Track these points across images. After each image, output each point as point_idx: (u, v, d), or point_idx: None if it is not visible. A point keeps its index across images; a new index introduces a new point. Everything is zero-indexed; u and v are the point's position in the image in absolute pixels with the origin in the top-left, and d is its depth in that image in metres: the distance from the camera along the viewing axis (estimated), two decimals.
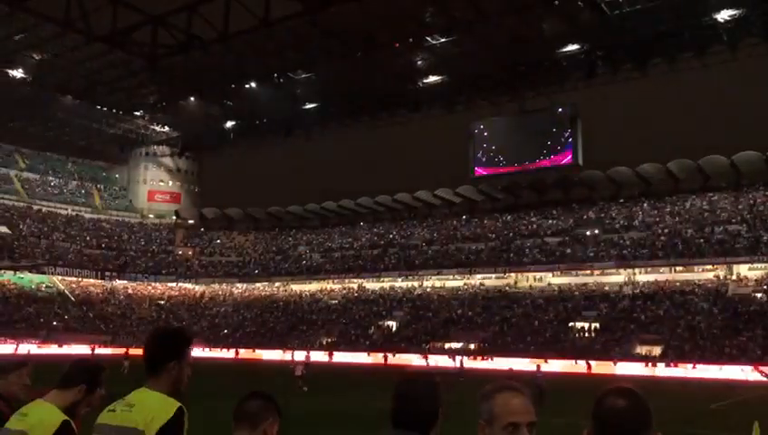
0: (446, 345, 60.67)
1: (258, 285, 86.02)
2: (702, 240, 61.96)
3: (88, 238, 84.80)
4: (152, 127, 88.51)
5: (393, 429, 2.44)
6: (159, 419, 2.71)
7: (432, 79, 65.90)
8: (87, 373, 3.30)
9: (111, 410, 2.89)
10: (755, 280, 57.76)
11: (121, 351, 45.01)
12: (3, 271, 71.43)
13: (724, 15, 52.80)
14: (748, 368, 45.53)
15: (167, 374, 2.88)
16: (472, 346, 59.47)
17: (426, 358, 55.61)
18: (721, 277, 59.83)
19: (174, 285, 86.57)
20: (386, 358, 56.53)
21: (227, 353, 64.04)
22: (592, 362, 49.93)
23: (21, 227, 79.70)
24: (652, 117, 59.65)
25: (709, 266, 60.84)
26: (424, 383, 2.48)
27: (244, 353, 64.57)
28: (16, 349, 53.06)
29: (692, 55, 56.94)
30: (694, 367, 47.81)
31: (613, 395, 1.94)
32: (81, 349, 58.25)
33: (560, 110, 73.12)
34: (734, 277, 59.46)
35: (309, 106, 74.36)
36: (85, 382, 3.26)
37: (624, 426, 1.87)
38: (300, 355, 44.64)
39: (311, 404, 22.16)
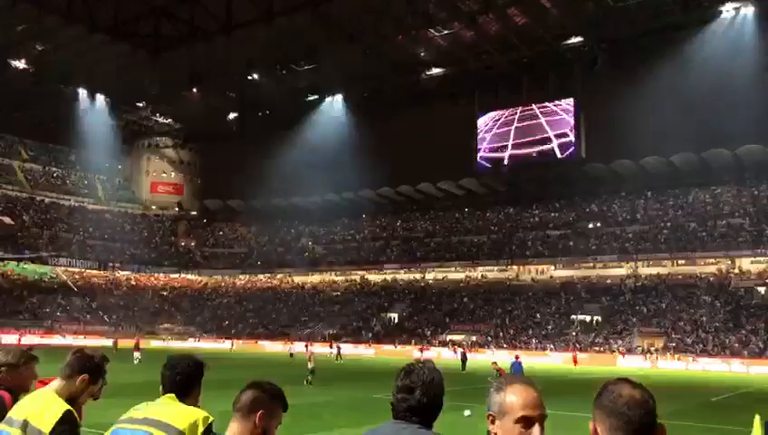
0: (448, 337, 60.79)
1: (261, 276, 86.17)
2: (705, 233, 61.90)
3: (91, 229, 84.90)
4: (155, 118, 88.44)
5: (395, 420, 2.43)
6: (200, 426, 2.84)
7: (435, 71, 65.74)
8: (89, 363, 3.31)
9: (136, 408, 2.99)
10: (758, 273, 57.73)
11: (130, 342, 44.76)
12: (5, 262, 71.63)
13: (728, 8, 52.65)
14: (749, 361, 45.59)
15: (194, 396, 3.08)
16: (474, 338, 59.59)
17: (428, 350, 55.73)
18: (723, 271, 59.81)
19: (177, 276, 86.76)
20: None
21: (229, 345, 64.14)
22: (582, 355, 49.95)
23: (24, 217, 79.79)
24: (656, 110, 59.35)
25: (712, 260, 60.82)
26: (428, 374, 2.47)
27: (246, 345, 64.77)
28: (19, 339, 53.21)
29: (696, 47, 56.68)
30: (693, 360, 47.88)
31: (627, 386, 1.92)
32: (86, 340, 58.46)
33: (563, 102, 72.93)
34: (736, 271, 59.44)
35: (311, 98, 74.26)
36: (87, 372, 3.27)
37: (644, 417, 1.86)
38: (312, 347, 43.93)
39: (312, 395, 22.23)
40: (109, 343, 52.06)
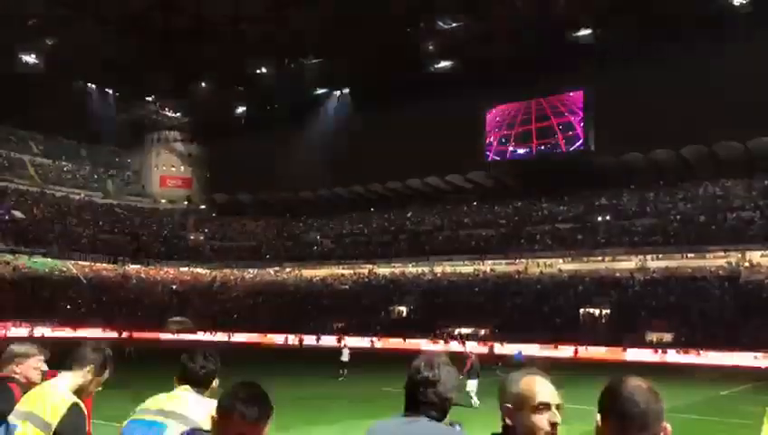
0: (456, 331, 60.77)
1: (270, 270, 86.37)
2: (714, 226, 61.56)
3: (101, 223, 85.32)
4: (164, 112, 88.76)
5: (406, 412, 2.41)
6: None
7: (444, 64, 65.56)
8: (95, 354, 3.35)
9: (154, 399, 3.04)
10: None
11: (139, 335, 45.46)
12: (17, 255, 72.10)
13: None
14: (760, 354, 45.40)
15: (211, 389, 3.12)
16: (482, 332, 59.55)
17: (436, 344, 55.80)
18: (733, 264, 59.45)
19: (186, 269, 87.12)
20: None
21: (239, 338, 64.38)
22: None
23: (35, 211, 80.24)
24: (666, 102, 58.86)
25: (721, 253, 60.41)
26: (447, 369, 2.46)
27: (256, 338, 64.97)
28: (31, 332, 53.58)
29: (707, 39, 56.29)
30: (698, 354, 47.73)
31: (633, 378, 1.94)
32: (95, 332, 58.78)
33: (572, 95, 72.62)
34: (746, 264, 59.06)
35: (320, 91, 74.25)
36: (94, 363, 3.30)
37: (650, 404, 1.88)
38: (347, 340, 43.60)
39: (319, 387, 22.28)
40: (117, 335, 52.50)
